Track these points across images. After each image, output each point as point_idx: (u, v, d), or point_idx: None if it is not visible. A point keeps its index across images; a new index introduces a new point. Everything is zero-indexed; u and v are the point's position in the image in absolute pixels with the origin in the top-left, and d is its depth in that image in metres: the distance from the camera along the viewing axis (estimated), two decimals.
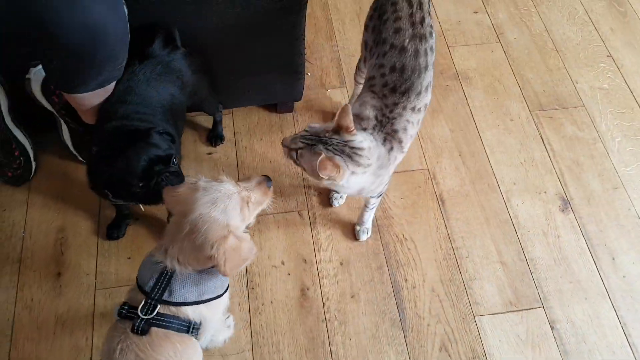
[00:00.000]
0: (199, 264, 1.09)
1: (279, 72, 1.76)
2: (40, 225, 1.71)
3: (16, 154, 1.67)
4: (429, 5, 1.45)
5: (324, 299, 1.63)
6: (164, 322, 1.09)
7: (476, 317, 1.61)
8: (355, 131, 1.22)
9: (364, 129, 1.32)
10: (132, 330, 1.06)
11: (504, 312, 1.62)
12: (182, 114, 1.57)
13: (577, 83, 2.13)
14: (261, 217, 1.75)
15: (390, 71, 1.37)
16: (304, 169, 1.28)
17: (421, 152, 1.92)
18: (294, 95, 1.87)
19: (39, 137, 1.77)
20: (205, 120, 1.91)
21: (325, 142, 1.22)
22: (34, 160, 1.75)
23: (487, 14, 2.31)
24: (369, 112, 1.35)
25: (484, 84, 2.10)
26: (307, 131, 1.26)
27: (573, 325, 1.61)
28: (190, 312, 1.13)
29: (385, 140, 1.32)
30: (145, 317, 1.07)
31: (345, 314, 1.61)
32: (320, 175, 1.17)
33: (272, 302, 1.62)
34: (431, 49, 1.41)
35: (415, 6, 1.41)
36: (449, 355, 1.55)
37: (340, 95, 2.04)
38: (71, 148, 1.74)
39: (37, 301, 1.58)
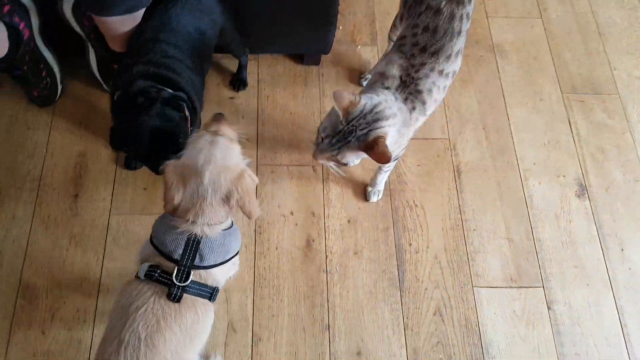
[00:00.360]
0: (228, 216, 1.14)
1: (310, 22, 1.75)
2: (62, 147, 1.78)
3: (44, 74, 1.73)
4: None
5: (327, 252, 1.69)
6: (195, 289, 1.12)
7: (475, 288, 1.66)
8: (357, 99, 1.23)
9: (387, 88, 1.33)
10: (168, 297, 1.08)
11: (503, 287, 1.66)
12: (209, 54, 1.59)
13: (615, 70, 2.08)
14: (276, 167, 1.80)
15: (423, 31, 1.37)
16: (349, 163, 1.33)
17: (445, 120, 1.93)
18: (322, 47, 1.87)
19: (67, 61, 1.82)
20: (231, 64, 1.94)
21: (351, 130, 1.23)
22: (60, 83, 1.80)
23: None
24: (395, 71, 1.36)
25: (519, 59, 2.08)
26: (324, 137, 1.28)
27: (570, 308, 1.65)
28: (219, 274, 1.17)
29: (407, 100, 1.33)
30: (182, 285, 1.09)
31: (346, 268, 1.67)
32: (386, 152, 1.20)
33: (277, 248, 1.68)
34: (467, 16, 1.40)
35: None
36: (442, 320, 1.61)
37: (370, 53, 2.03)
38: (97, 75, 1.78)
39: (54, 218, 1.67)
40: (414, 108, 1.34)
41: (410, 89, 1.34)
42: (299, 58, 1.98)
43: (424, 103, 1.34)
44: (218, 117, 1.22)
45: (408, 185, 1.81)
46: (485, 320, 1.62)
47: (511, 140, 1.91)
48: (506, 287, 1.67)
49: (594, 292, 1.68)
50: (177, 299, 1.09)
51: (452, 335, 1.60)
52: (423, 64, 1.34)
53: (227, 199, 1.11)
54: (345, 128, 1.23)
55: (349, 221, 1.75)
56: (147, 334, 1.04)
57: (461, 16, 1.38)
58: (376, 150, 1.21)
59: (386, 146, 1.21)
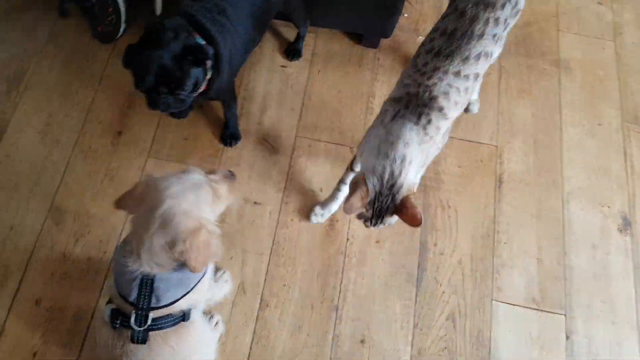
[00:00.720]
0: (172, 261, 1.04)
1: (376, 3, 1.75)
2: (115, 84, 1.84)
3: (110, 10, 1.80)
4: None
5: (349, 235, 1.69)
6: (160, 324, 1.10)
7: (494, 301, 1.62)
8: (364, 191, 1.20)
9: (397, 111, 1.27)
10: (132, 341, 1.08)
11: (523, 306, 1.62)
12: (266, 24, 1.60)
13: None
14: (314, 142, 1.81)
15: (440, 35, 1.31)
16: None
17: (496, 127, 1.89)
18: (383, 30, 1.86)
19: (134, 5, 1.87)
20: (288, 33, 1.96)
21: (380, 210, 1.22)
22: (124, 23, 1.87)
23: (612, 9, 2.18)
24: (404, 90, 1.30)
25: (584, 78, 2.01)
26: (365, 221, 1.28)
27: (590, 342, 1.59)
28: (183, 304, 1.13)
29: (420, 115, 1.24)
30: (141, 329, 1.07)
31: (365, 255, 1.67)
32: (416, 215, 1.19)
33: (300, 221, 1.70)
34: (497, 20, 1.30)
35: None
36: (454, 327, 1.59)
37: None
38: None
39: (94, 150, 1.73)
40: (429, 122, 1.25)
41: (423, 100, 1.26)
42: (358, 38, 1.98)
43: (441, 109, 1.26)
44: (228, 174, 1.16)
45: (445, 185, 1.79)
46: (498, 336, 1.58)
47: (560, 159, 1.85)
48: (526, 307, 1.63)
49: (618, 332, 1.62)
50: (141, 342, 1.08)
51: (461, 344, 1.57)
52: (436, 69, 1.27)
53: (171, 245, 1.01)
54: (375, 212, 1.23)
55: None
56: None
57: (487, 19, 1.29)
58: (406, 213, 1.20)
59: (415, 207, 1.19)
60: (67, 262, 1.57)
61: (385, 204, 1.21)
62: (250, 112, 1.84)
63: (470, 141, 1.86)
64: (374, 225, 1.27)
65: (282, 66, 1.94)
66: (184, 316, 1.14)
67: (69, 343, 1.48)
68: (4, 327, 1.49)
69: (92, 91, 1.82)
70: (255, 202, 1.70)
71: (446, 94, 1.26)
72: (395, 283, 1.64)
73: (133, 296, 1.06)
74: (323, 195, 1.74)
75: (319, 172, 1.78)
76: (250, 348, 1.52)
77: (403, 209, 1.20)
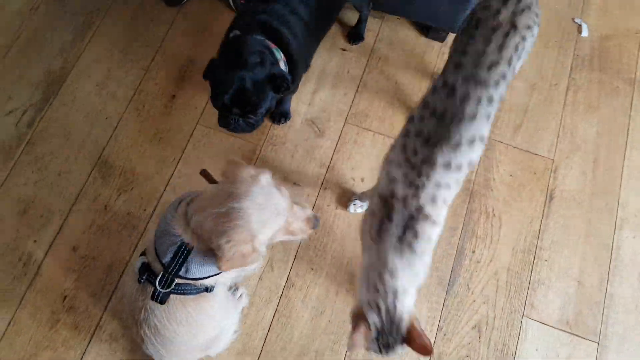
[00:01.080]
0: (208, 243, 1.06)
1: None
2: (175, 48, 1.89)
3: None
4: (516, 54, 1.20)
5: None
6: (183, 290, 1.13)
7: (525, 318, 1.59)
8: (366, 327, 1.11)
9: (382, 224, 1.14)
10: (152, 298, 1.12)
11: (555, 328, 1.58)
12: (335, 14, 1.61)
13: None
14: (363, 130, 1.80)
15: (430, 115, 1.17)
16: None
17: (555, 140, 1.82)
18: (453, 25, 1.81)
19: None
20: (352, 16, 1.94)
21: (387, 344, 1.12)
22: None
23: None
24: (388, 187, 1.16)
25: None
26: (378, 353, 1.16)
27: None
28: (208, 281, 1.16)
29: (405, 231, 1.11)
30: (163, 291, 1.11)
31: None
32: (426, 345, 1.10)
33: (336, 208, 1.70)
34: (490, 99, 1.16)
35: (492, 45, 1.19)
36: (479, 337, 1.56)
37: None
38: None
39: (147, 109, 1.79)
40: (416, 235, 1.11)
41: (408, 211, 1.12)
42: (425, 30, 1.95)
43: (427, 218, 1.12)
44: (312, 219, 1.15)
45: (493, 192, 1.75)
46: (524, 354, 1.55)
47: (619, 183, 1.77)
48: (558, 329, 1.58)
49: None
50: (160, 302, 1.11)
51: (484, 355, 1.55)
52: (424, 162, 1.13)
53: (216, 234, 1.02)
54: (382, 346, 1.13)
55: None
56: (153, 333, 1.17)
57: (479, 99, 1.15)
58: (414, 344, 1.10)
59: (422, 335, 1.09)
60: (107, 215, 1.64)
61: (390, 339, 1.12)
62: (302, 92, 1.85)
63: (526, 151, 1.80)
64: (387, 355, 1.15)
65: (342, 49, 1.93)
66: (207, 289, 1.17)
67: (98, 293, 1.56)
68: (40, 268, 1.58)
69: (152, 51, 1.87)
70: (294, 183, 1.72)
71: (434, 200, 1.13)
72: (425, 284, 1.62)
73: (167, 258, 1.09)
74: (364, 186, 1.73)
75: (363, 162, 1.77)
76: (271, 323, 1.55)
77: (411, 341, 1.10)
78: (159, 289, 1.10)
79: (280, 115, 1.77)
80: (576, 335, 1.58)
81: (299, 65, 1.48)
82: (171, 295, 1.13)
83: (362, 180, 1.75)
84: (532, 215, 1.73)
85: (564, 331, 1.58)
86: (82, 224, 1.63)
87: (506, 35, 1.19)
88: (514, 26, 1.20)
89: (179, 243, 1.08)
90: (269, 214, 1.05)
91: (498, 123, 1.84)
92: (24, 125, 1.74)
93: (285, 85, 1.35)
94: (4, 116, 1.76)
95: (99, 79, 1.82)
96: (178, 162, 1.72)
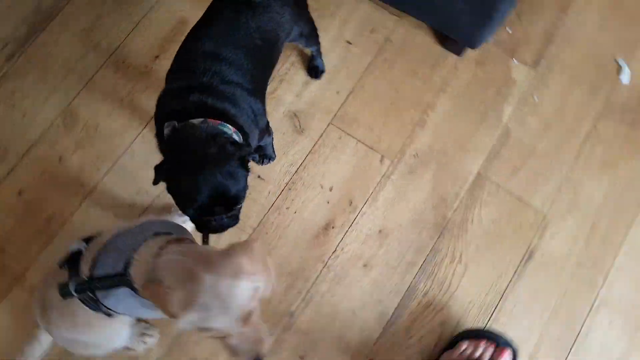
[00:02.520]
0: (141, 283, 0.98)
1: (474, 6, 1.53)
2: (169, 7, 1.83)
3: None
4: None
5: (338, 248, 1.62)
6: (86, 302, 1.09)
7: None
8: None
9: None
10: (60, 289, 1.10)
11: None
12: (275, 61, 1.41)
13: None
14: (346, 135, 1.73)
15: None
16: None
17: (554, 194, 1.67)
18: (471, 39, 1.65)
19: None
20: (370, 9, 1.82)
21: None
22: None
23: None
24: None
25: None
26: None
27: None
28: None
29: None
30: (72, 292, 1.08)
31: (346, 274, 1.60)
32: None
33: (295, 212, 1.65)
34: None
35: None
36: None
37: (523, 74, 1.78)
38: None
39: (127, 65, 1.77)
40: None
41: None
42: (443, 38, 1.80)
43: None
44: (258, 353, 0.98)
45: (466, 235, 1.64)
46: None
47: (611, 260, 1.61)
48: None
49: None
50: (62, 295, 1.11)
51: None
52: None
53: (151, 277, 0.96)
54: None
55: (380, 231, 1.64)
56: (42, 307, 1.23)
57: None
58: None
59: None
60: (60, 166, 1.67)
61: None
62: (292, 80, 1.77)
63: (518, 198, 1.66)
64: None
65: (348, 42, 1.82)
66: (109, 314, 1.14)
67: (32, 241, 1.60)
68: None
69: (144, 10, 1.83)
70: (259, 176, 1.67)
71: None
72: (363, 316, 1.57)
73: (99, 272, 1.05)
74: (330, 196, 1.67)
75: (338, 170, 1.69)
76: None
77: None
78: (70, 288, 1.08)
79: (264, 157, 1.66)
80: None
81: (253, 133, 1.30)
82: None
83: (331, 189, 1.68)
84: (502, 272, 1.61)
85: None
86: (33, 170, 1.66)
87: None
88: None
89: (121, 272, 1.02)
90: (217, 310, 0.90)
91: (496, 160, 1.70)
92: (3, 57, 1.77)
93: (255, 158, 1.26)
94: None
95: (86, 25, 1.81)
96: (145, 127, 1.71)
